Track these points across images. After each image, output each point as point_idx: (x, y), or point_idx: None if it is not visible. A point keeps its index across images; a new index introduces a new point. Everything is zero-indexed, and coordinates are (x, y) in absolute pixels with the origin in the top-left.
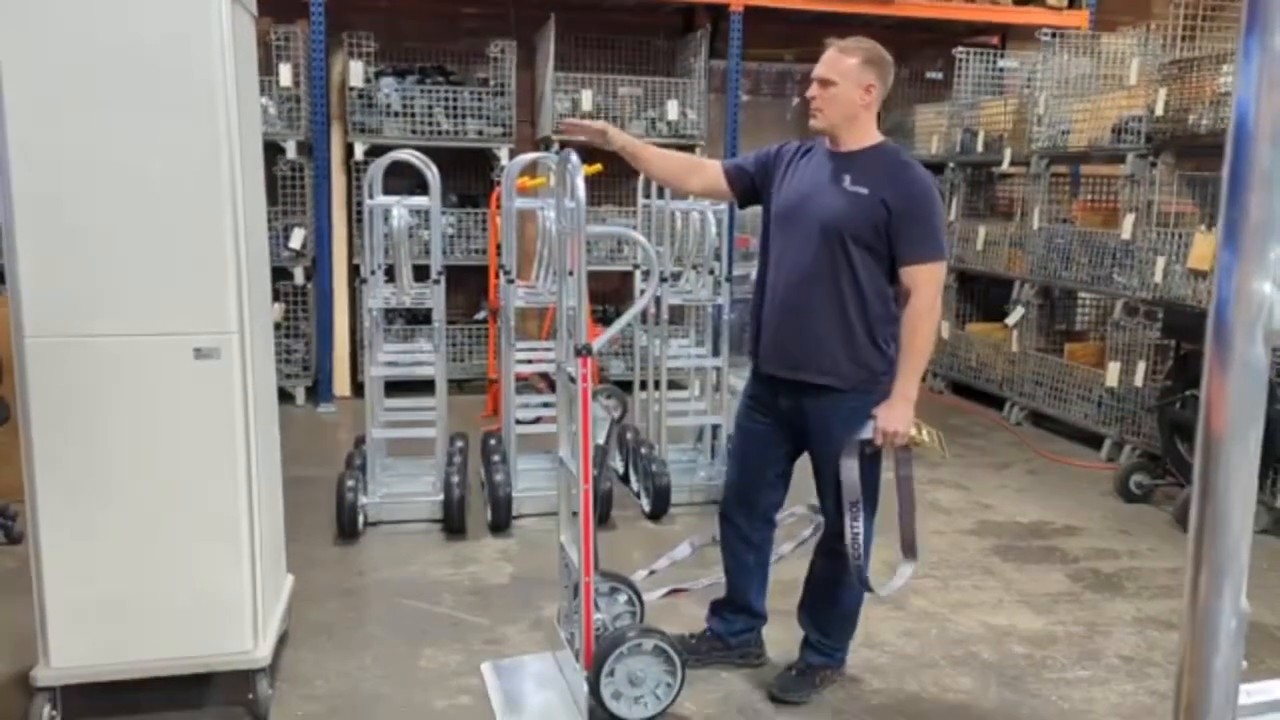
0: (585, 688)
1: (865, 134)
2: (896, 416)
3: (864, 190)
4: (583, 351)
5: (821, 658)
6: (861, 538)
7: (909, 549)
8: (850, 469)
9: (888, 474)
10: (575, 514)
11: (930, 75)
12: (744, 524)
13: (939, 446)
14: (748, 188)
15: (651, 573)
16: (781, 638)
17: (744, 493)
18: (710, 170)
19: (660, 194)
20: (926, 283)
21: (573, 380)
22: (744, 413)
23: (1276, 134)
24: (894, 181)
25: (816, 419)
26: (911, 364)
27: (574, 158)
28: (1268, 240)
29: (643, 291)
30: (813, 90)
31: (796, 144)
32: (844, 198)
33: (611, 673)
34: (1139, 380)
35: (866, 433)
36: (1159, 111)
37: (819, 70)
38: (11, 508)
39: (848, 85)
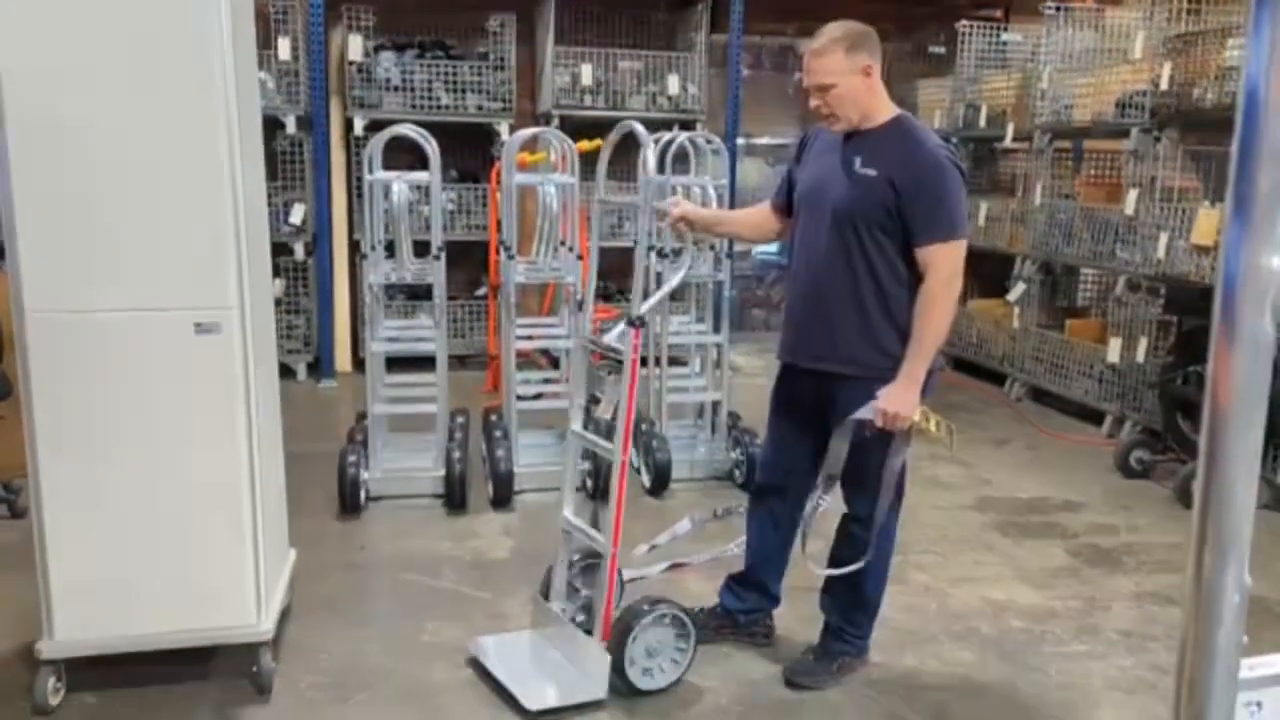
0: (607, 659)
1: (880, 111)
2: (898, 398)
3: (873, 172)
4: (636, 322)
5: (842, 644)
6: (819, 511)
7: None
8: (839, 444)
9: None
10: (579, 488)
11: (933, 49)
12: (776, 506)
13: (947, 438)
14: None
15: (652, 548)
16: (791, 622)
17: (777, 477)
18: (767, 213)
19: (661, 169)
20: (941, 264)
21: (618, 354)
22: (776, 397)
23: None
24: (902, 161)
25: (842, 407)
26: (921, 346)
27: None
28: (1277, 214)
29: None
30: (815, 100)
31: (820, 128)
32: (854, 182)
33: (635, 640)
34: (1140, 356)
35: (865, 413)
36: (1163, 86)
37: (811, 79)
38: (15, 482)
39: (846, 80)
